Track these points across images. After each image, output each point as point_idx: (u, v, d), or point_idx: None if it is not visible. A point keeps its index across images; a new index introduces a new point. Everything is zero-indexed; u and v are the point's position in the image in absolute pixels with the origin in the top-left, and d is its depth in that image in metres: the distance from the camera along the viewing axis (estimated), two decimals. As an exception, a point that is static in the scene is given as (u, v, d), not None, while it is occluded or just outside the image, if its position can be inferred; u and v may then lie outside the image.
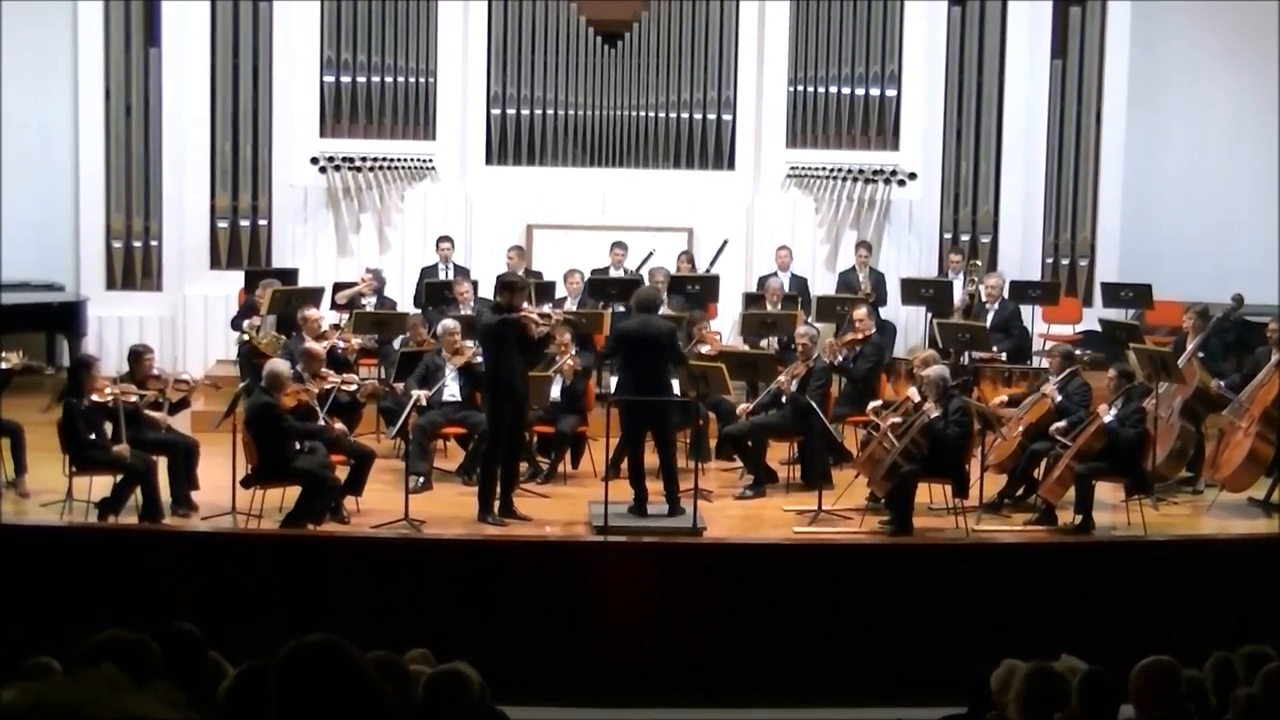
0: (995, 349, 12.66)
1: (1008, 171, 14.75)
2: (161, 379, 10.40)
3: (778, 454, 11.23)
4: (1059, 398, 10.49)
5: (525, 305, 10.12)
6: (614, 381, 10.78)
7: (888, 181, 14.35)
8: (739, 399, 11.50)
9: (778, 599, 8.97)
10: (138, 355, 10.38)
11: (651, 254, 13.59)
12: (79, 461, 9.72)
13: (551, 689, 8.24)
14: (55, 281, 14.23)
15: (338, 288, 13.27)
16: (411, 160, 14.26)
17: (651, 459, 10.29)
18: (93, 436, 9.76)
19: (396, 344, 12.56)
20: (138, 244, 14.43)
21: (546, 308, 10.73)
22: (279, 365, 9.98)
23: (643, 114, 14.37)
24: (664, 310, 11.94)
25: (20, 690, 2.17)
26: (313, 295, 12.58)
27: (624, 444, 10.63)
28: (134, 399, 9.91)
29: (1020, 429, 10.50)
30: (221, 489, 9.93)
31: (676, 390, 10.58)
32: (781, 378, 11.01)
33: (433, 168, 14.32)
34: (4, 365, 10.58)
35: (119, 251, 14.43)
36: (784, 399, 11.00)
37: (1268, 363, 10.86)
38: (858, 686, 8.58)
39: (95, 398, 9.79)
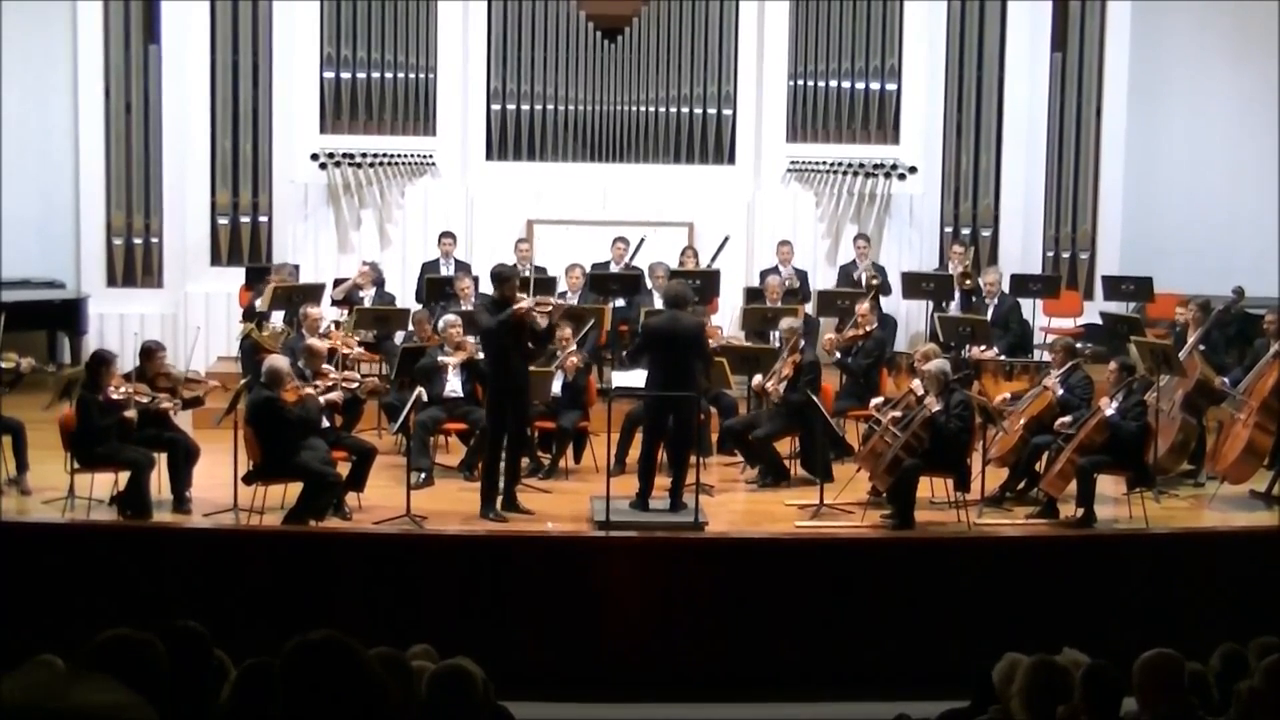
0: (995, 348, 12.61)
1: (1008, 165, 14.74)
2: (172, 377, 10.41)
3: (780, 448, 11.21)
4: (1060, 391, 10.49)
5: (520, 295, 10.07)
6: (615, 376, 10.77)
7: (888, 176, 14.36)
8: (739, 394, 11.53)
9: (780, 594, 8.98)
10: (150, 353, 10.37)
11: (644, 240, 13.59)
12: (84, 458, 9.72)
13: (554, 684, 8.25)
14: (56, 279, 14.23)
15: (338, 284, 13.29)
16: (412, 156, 14.27)
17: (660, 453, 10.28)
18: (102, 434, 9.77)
19: (398, 339, 12.57)
20: (138, 241, 14.44)
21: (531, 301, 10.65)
22: (278, 361, 9.99)
23: (643, 109, 14.37)
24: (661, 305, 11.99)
25: None
26: (313, 292, 12.60)
27: (626, 436, 10.67)
28: (145, 399, 9.90)
29: (1022, 423, 10.51)
30: (223, 485, 9.93)
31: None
32: (769, 385, 10.92)
33: (433, 164, 14.33)
34: (5, 365, 10.58)
35: (120, 249, 14.43)
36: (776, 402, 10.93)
37: (1266, 354, 10.87)
38: (860, 680, 8.58)
39: (110, 394, 9.78)
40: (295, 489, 9.63)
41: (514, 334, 9.87)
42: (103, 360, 10.03)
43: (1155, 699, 4.93)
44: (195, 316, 13.94)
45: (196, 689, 4.32)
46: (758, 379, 11.05)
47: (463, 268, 13.45)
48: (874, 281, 13.39)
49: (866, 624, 8.96)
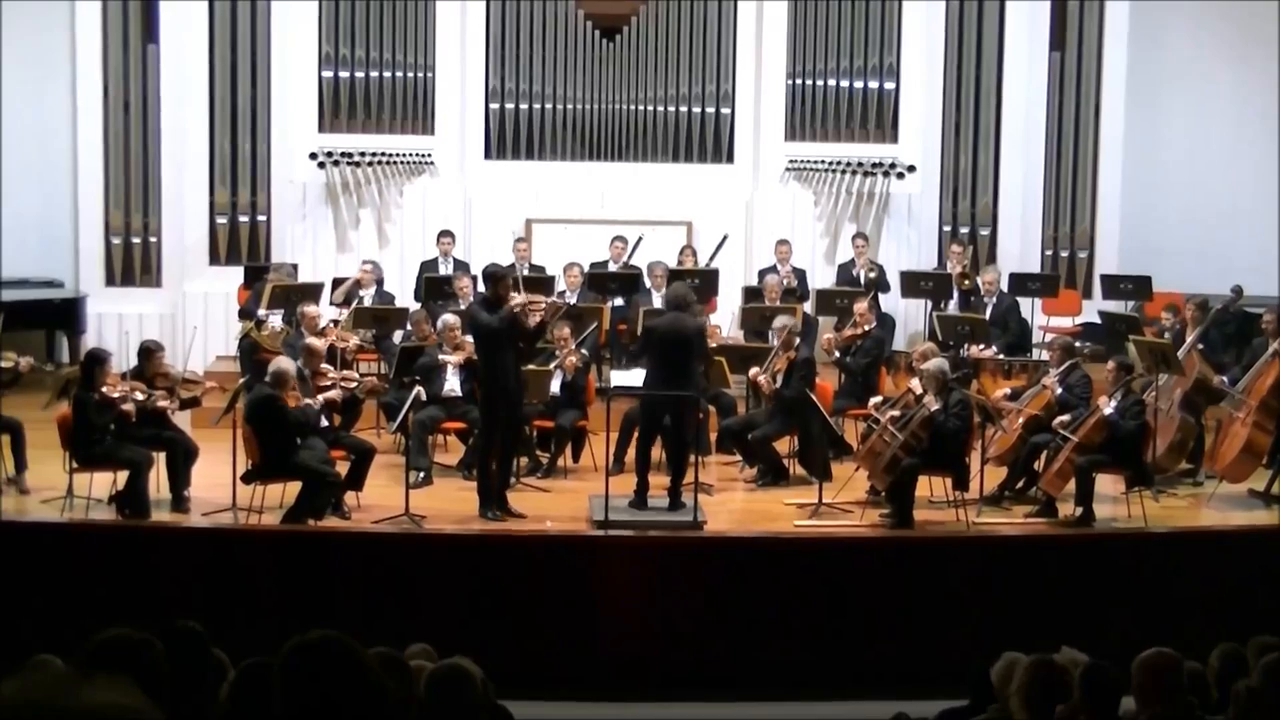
0: (993, 347, 12.61)
1: (1007, 164, 14.74)
2: (170, 377, 10.40)
3: (779, 447, 11.20)
4: (1059, 390, 10.49)
5: (513, 294, 10.06)
6: (613, 376, 10.78)
7: (887, 174, 14.36)
8: (738, 393, 11.53)
9: (778, 593, 8.97)
10: (149, 352, 10.37)
11: (641, 239, 13.59)
12: (82, 456, 9.72)
13: (553, 683, 8.24)
14: (55, 278, 14.23)
15: (336, 283, 13.28)
16: (410, 155, 14.26)
17: (656, 452, 10.27)
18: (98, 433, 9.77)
19: (396, 338, 12.57)
20: (137, 240, 14.43)
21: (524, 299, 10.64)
22: (285, 363, 9.96)
23: (641, 108, 14.36)
24: (659, 304, 11.99)
25: None
26: (312, 291, 12.60)
27: (625, 436, 10.66)
28: (141, 397, 9.90)
29: (1020, 422, 10.50)
30: (222, 485, 9.93)
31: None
32: (762, 379, 10.92)
33: (432, 163, 14.32)
34: (3, 364, 10.58)
35: (118, 248, 14.43)
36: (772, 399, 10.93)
37: (1264, 353, 10.87)
38: (858, 680, 8.58)
39: (105, 392, 9.77)
40: (294, 488, 9.63)
41: (507, 333, 9.87)
42: (97, 359, 10.02)
43: (1154, 698, 4.94)
44: (194, 316, 13.93)
45: (196, 689, 4.33)
46: (753, 370, 11.03)
47: (461, 267, 13.44)
48: (871, 275, 13.40)
49: (865, 623, 8.96)
